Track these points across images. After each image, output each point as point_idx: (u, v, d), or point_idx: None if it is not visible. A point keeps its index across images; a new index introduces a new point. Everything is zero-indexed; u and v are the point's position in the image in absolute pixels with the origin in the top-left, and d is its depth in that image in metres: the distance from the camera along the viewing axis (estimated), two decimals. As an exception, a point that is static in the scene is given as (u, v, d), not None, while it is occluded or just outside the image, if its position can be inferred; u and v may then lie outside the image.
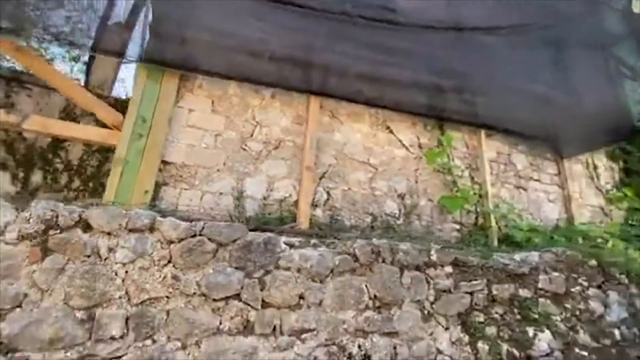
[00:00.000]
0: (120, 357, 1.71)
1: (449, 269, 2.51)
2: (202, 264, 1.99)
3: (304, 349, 2.03)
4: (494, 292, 2.56)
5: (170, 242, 1.97)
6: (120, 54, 2.82)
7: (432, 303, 2.40)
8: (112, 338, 1.73)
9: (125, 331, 1.76)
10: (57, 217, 1.82)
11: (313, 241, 2.35)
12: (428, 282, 2.43)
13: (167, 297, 1.89)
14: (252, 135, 3.08)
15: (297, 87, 3.22)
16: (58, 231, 1.80)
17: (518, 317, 2.58)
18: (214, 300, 1.95)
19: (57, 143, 3.65)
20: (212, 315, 1.93)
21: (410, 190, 3.51)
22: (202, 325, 1.89)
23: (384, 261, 2.39)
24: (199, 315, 1.90)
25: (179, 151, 2.77)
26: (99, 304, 1.77)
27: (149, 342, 1.78)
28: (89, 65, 4.22)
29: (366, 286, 2.30)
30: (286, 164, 3.14)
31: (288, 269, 2.14)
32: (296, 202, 3.04)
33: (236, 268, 2.05)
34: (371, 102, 3.46)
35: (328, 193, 3.25)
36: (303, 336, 2.05)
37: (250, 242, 2.12)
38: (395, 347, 2.20)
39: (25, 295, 1.69)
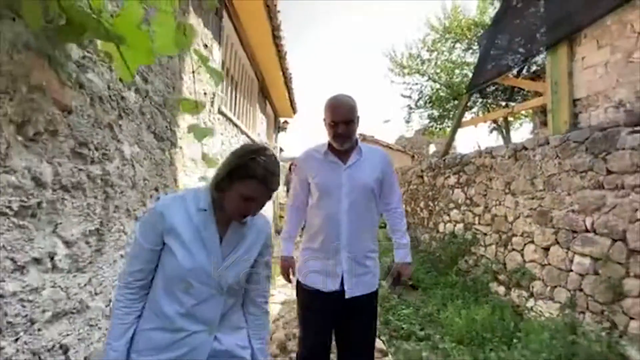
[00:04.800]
0: (542, 198, 4.02)
1: None
2: (569, 155, 3.71)
3: (641, 198, 2.97)
4: None
5: (555, 146, 3.91)
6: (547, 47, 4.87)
7: None
8: (540, 190, 4.09)
9: (545, 187, 4.03)
10: (518, 146, 4.55)
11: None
12: None
13: (559, 173, 3.86)
14: (637, 44, 3.62)
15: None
16: (517, 152, 4.51)
17: None
18: (580, 172, 3.59)
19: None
20: (579, 179, 3.59)
21: None
22: (574, 183, 3.63)
23: None
24: (573, 180, 3.66)
25: (582, 88, 4.21)
26: (552, 175, 4.20)
27: (552, 192, 3.90)
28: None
29: None
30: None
31: (623, 149, 3.15)
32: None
33: (589, 153, 3.49)
34: None
35: None
36: (640, 190, 2.99)
37: (594, 137, 3.43)
38: None
39: (506, 182, 4.57)
